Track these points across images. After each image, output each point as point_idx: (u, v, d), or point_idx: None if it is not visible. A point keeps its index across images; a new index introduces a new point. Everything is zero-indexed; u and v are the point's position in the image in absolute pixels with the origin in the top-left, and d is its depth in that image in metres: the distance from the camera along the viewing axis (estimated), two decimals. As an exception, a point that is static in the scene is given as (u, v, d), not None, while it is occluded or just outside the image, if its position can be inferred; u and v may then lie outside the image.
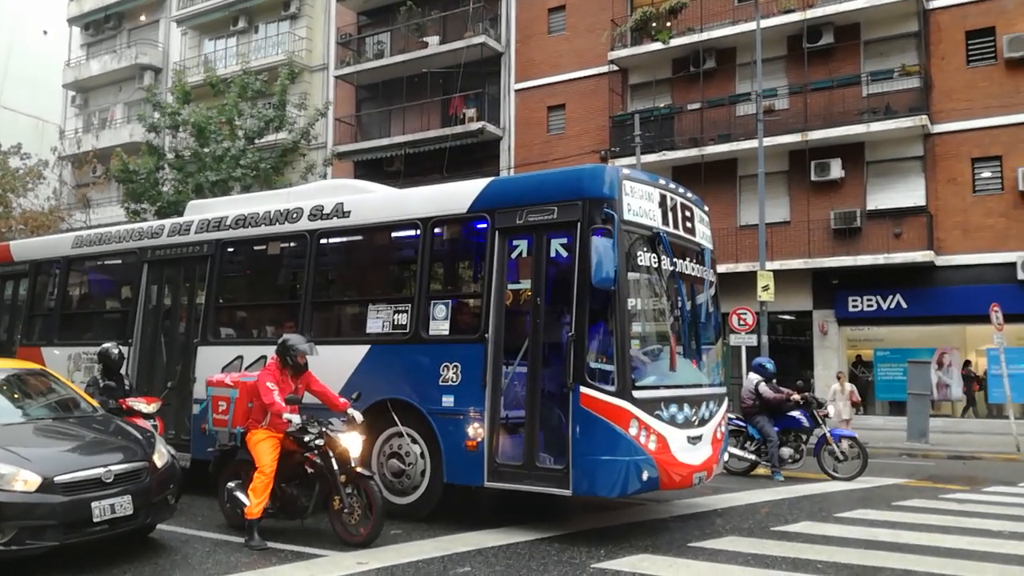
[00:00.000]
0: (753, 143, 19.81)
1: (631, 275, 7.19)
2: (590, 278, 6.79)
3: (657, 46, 22.81)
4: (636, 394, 6.92)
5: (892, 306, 20.31)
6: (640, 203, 7.40)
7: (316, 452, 6.85)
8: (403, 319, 8.08)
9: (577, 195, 7.25)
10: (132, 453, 6.60)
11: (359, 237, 9.22)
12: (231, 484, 7.36)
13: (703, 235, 8.48)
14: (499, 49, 25.98)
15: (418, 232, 8.22)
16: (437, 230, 8.29)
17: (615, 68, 24.05)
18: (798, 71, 21.61)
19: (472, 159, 24.87)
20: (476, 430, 7.40)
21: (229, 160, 22.03)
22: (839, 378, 17.98)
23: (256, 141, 23.02)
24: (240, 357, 9.11)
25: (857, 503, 9.22)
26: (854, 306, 20.86)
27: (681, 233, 7.98)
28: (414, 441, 7.89)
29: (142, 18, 35.14)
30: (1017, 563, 6.35)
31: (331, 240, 9.11)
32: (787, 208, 21.64)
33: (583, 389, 6.87)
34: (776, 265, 19.83)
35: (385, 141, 26.81)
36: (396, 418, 7.93)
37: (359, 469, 6.89)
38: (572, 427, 6.91)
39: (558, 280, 7.37)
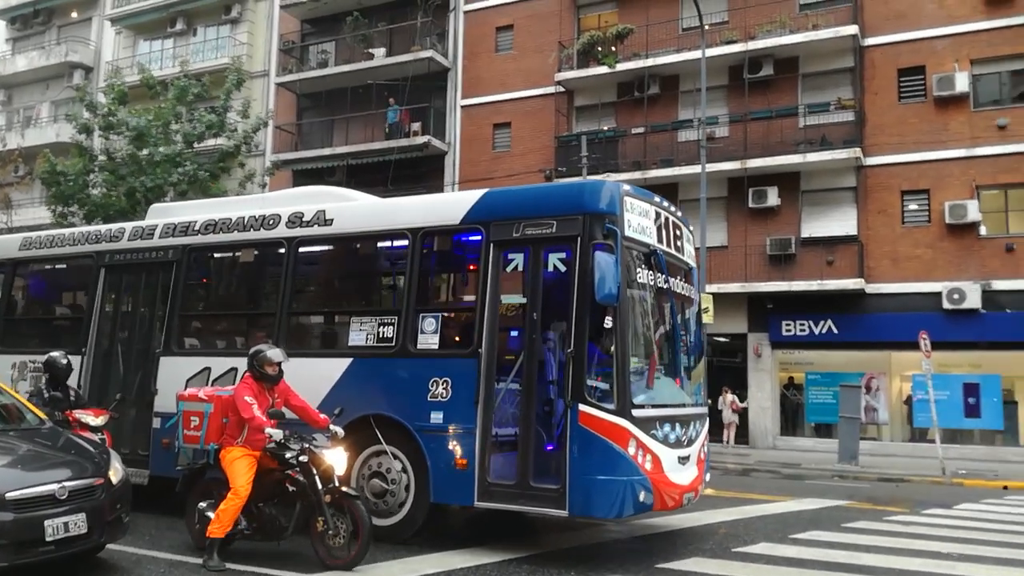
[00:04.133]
0: (694, 168, 20.27)
1: (629, 292, 7.08)
2: (590, 294, 6.68)
3: (603, 70, 23.18)
4: (635, 413, 6.82)
5: (823, 331, 20.97)
6: (639, 220, 7.34)
7: (298, 469, 6.52)
8: (389, 332, 7.79)
9: (578, 210, 7.12)
10: (86, 469, 6.29)
11: (342, 246, 8.90)
12: (203, 504, 6.93)
13: (689, 254, 8.48)
14: (446, 64, 25.99)
15: (407, 243, 7.95)
16: (427, 241, 8.04)
17: (561, 89, 24.34)
18: (739, 100, 22.24)
19: (417, 173, 24.81)
20: (467, 448, 7.15)
21: (165, 163, 21.36)
22: (724, 391, 20.97)
23: (195, 145, 22.41)
24: (207, 369, 8.71)
25: (808, 524, 9.41)
26: (787, 330, 21.45)
27: (673, 251, 7.95)
28: (398, 459, 7.59)
29: (73, 15, 34.00)
30: (971, 584, 6.59)
31: (311, 248, 8.81)
32: (725, 233, 22.16)
33: (582, 407, 6.73)
34: (714, 288, 20.24)
35: (327, 151, 26.52)
36: (380, 435, 7.62)
37: (345, 488, 6.57)
38: (570, 446, 6.74)
39: (556, 295, 7.20)
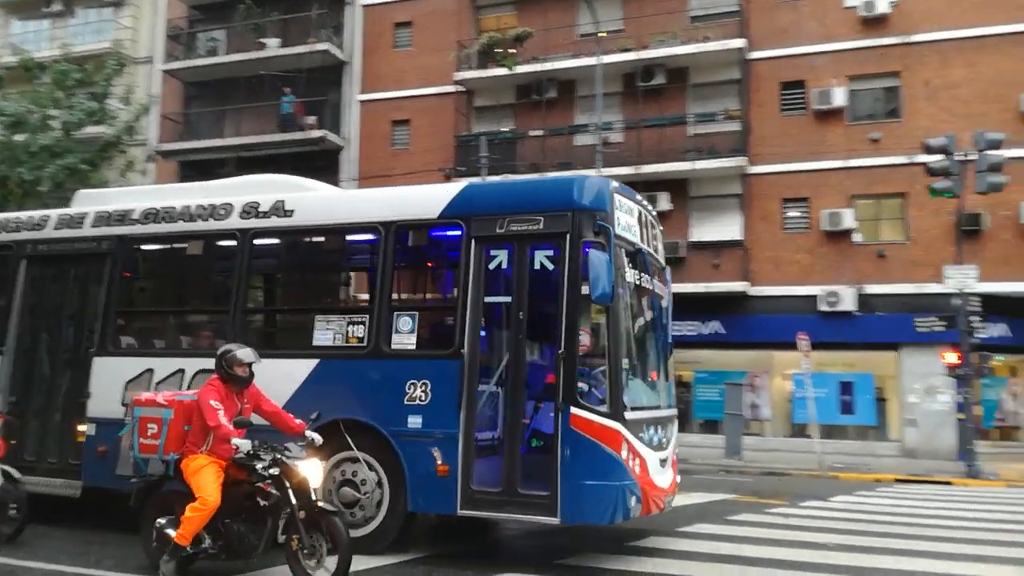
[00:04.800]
0: (590, 172, 20.63)
1: (619, 292, 6.92)
2: (580, 293, 6.55)
3: (502, 71, 23.33)
4: (626, 415, 6.70)
5: (711, 332, 21.76)
6: (626, 218, 7.26)
7: (270, 482, 6.02)
8: (359, 331, 7.43)
9: (567, 206, 6.94)
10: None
11: (304, 239, 8.48)
12: (161, 520, 6.32)
13: (662, 253, 8.53)
14: (342, 58, 25.61)
15: (378, 237, 7.59)
16: (402, 236, 7.70)
17: (461, 89, 24.38)
18: (633, 107, 22.84)
19: (312, 167, 24.15)
20: (449, 454, 6.84)
21: (42, 153, 20.18)
22: None
23: (73, 134, 21.25)
24: (150, 370, 8.12)
25: (694, 518, 9.78)
26: (676, 330, 21.93)
27: (651, 251, 7.92)
28: (370, 466, 7.26)
29: (-64, -12, 31.60)
30: (845, 572, 7.02)
31: (269, 241, 8.31)
32: (619, 235, 22.63)
33: (574, 410, 6.54)
34: (608, 289, 20.65)
35: (217, 142, 25.69)
36: (351, 441, 7.24)
37: (321, 503, 6.11)
38: (561, 450, 6.55)
39: (542, 294, 6.99)
